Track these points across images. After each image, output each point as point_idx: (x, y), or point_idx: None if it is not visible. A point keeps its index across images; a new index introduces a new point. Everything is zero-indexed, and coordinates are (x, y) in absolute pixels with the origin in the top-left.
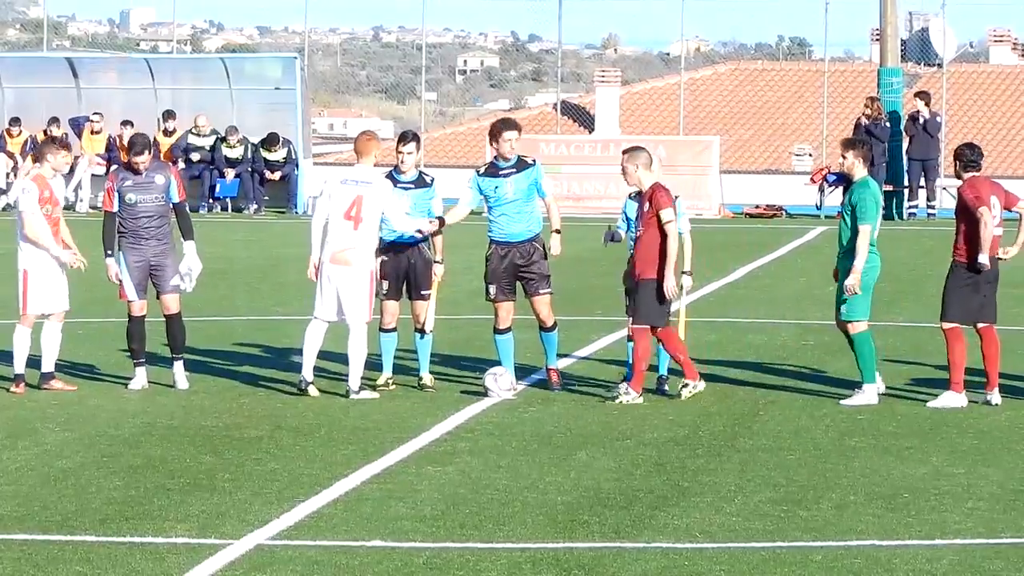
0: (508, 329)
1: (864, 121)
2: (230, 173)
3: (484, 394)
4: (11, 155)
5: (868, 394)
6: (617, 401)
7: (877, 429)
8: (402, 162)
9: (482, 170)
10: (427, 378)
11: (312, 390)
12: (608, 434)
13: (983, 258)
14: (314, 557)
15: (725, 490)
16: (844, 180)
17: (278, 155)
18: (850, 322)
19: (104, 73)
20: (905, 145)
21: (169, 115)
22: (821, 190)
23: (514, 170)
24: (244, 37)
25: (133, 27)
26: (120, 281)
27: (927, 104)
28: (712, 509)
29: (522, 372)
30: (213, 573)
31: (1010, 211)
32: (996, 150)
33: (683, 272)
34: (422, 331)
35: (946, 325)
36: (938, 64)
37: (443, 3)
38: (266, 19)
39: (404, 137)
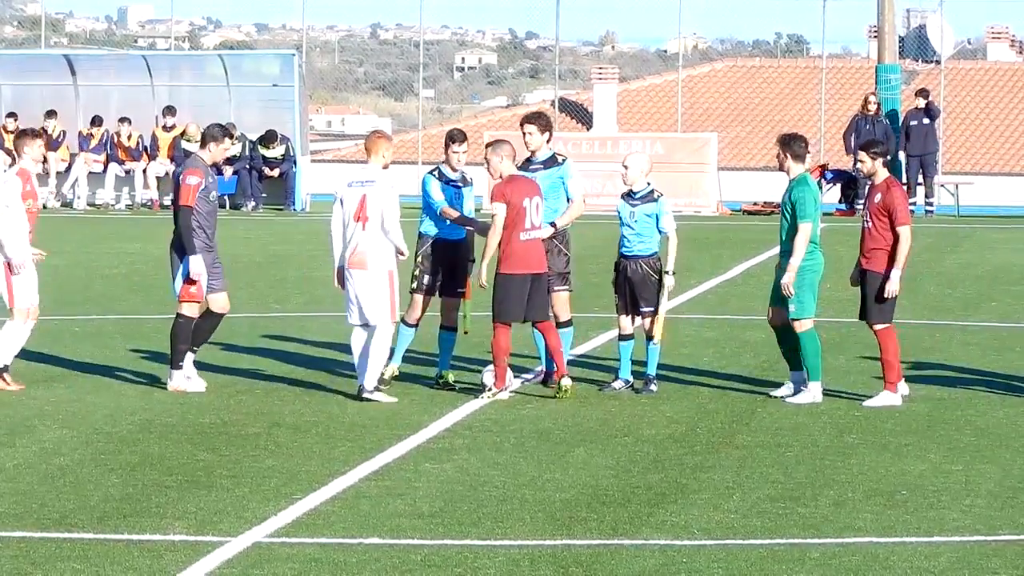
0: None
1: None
2: (228, 170)
3: (482, 391)
4: (9, 152)
5: (813, 392)
6: (487, 396)
7: (875, 426)
8: (457, 161)
9: (518, 163)
10: (449, 376)
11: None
12: (606, 431)
13: (896, 275)
14: (312, 554)
15: (723, 487)
16: (842, 177)
17: (276, 152)
18: (796, 320)
19: (102, 70)
20: (902, 142)
21: (169, 111)
22: (819, 187)
23: (541, 166)
24: (242, 34)
25: (131, 24)
26: (197, 280)
27: (926, 100)
28: (710, 506)
29: (520, 370)
30: (210, 571)
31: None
32: (993, 147)
33: (664, 272)
34: (451, 329)
35: (882, 326)
36: (936, 61)
37: (441, 0)
38: (264, 16)
39: (457, 137)
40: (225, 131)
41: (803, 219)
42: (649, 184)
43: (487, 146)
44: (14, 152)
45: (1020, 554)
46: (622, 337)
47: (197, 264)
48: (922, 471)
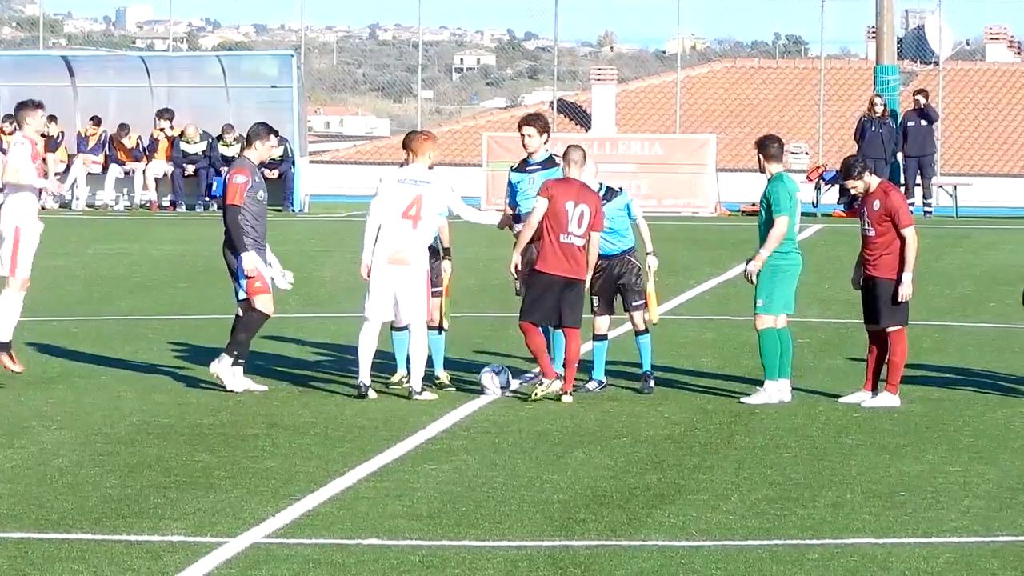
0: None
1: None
2: (226, 171)
3: (480, 392)
4: (6, 152)
5: (768, 391)
6: (538, 394)
7: (874, 427)
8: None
9: (515, 164)
10: (443, 376)
11: (371, 394)
12: (604, 432)
13: (908, 278)
14: (310, 555)
15: (721, 488)
16: (841, 178)
17: (274, 153)
18: (759, 315)
19: (100, 71)
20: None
21: (162, 114)
22: (817, 188)
23: (538, 167)
24: (240, 35)
25: (129, 25)
26: (253, 276)
27: (926, 100)
28: (708, 507)
29: (518, 371)
30: (209, 571)
31: None
32: (992, 148)
33: (647, 253)
34: (438, 328)
35: (895, 328)
36: (934, 62)
37: (439, 1)
38: (262, 17)
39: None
40: (270, 129)
41: (777, 213)
42: (601, 184)
43: (569, 147)
44: (19, 121)
45: (1018, 555)
46: (596, 338)
47: (250, 259)
48: (920, 472)
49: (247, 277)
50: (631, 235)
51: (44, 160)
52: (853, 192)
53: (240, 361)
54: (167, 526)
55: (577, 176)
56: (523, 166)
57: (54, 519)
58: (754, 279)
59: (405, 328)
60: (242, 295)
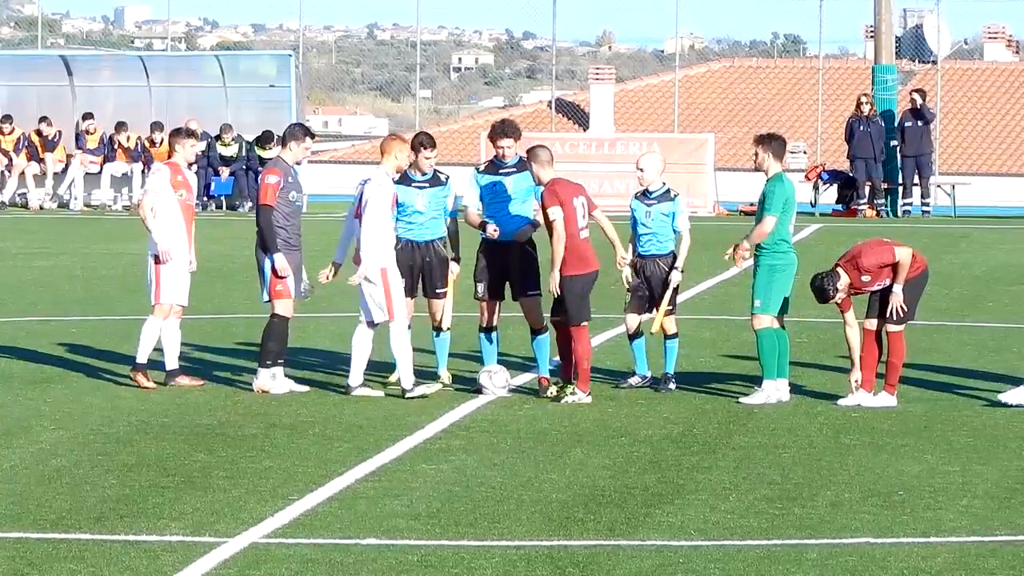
0: (494, 328)
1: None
2: (225, 171)
3: (478, 392)
4: (5, 152)
5: (766, 391)
6: (564, 402)
7: (872, 427)
8: (429, 167)
9: (482, 166)
10: (445, 375)
11: (361, 391)
12: (603, 431)
13: (899, 288)
14: (308, 555)
15: (720, 488)
16: (839, 178)
17: (273, 153)
18: (756, 315)
19: (99, 71)
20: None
21: (156, 127)
22: (816, 187)
23: (514, 170)
24: (239, 35)
25: (128, 25)
26: (285, 276)
27: (923, 100)
28: (707, 507)
29: (518, 369)
30: (207, 571)
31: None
32: (990, 147)
33: (673, 267)
34: (439, 329)
35: (896, 329)
36: (932, 61)
37: (438, 1)
38: (261, 17)
39: (427, 143)
40: (306, 131)
41: (767, 212)
42: (664, 184)
43: (528, 151)
44: (170, 148)
45: (1017, 554)
46: (632, 336)
47: (280, 260)
48: (919, 472)
49: (279, 278)
50: (670, 241)
51: (42, 161)
52: (840, 302)
53: (279, 362)
54: (165, 526)
55: (555, 174)
56: (494, 169)
57: (52, 519)
58: (741, 254)
59: (407, 328)
60: (265, 297)
